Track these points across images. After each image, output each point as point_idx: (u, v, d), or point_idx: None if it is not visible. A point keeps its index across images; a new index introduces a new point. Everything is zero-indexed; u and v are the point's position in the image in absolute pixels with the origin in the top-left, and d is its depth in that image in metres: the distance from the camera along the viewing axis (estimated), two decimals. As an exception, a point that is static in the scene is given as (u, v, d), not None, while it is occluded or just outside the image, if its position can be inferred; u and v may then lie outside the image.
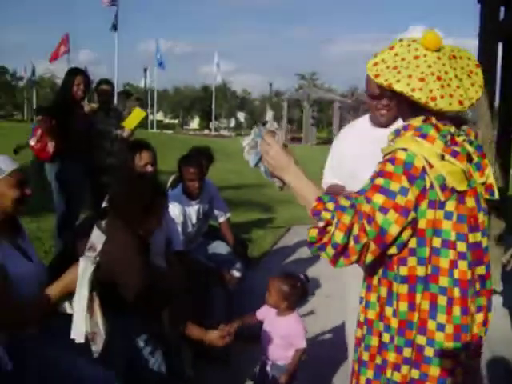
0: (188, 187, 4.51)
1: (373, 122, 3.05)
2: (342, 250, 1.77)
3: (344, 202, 1.79)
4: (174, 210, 4.41)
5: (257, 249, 7.83)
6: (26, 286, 2.53)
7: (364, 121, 3.17)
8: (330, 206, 1.80)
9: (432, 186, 1.80)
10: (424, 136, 1.86)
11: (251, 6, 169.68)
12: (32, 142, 5.52)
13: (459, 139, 1.90)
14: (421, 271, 1.85)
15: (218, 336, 3.07)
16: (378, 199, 1.76)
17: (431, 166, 1.80)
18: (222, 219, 5.09)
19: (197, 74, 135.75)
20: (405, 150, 1.83)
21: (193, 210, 4.60)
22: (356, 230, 1.75)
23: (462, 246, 1.85)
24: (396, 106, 2.10)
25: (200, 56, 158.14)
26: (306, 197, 1.91)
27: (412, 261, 1.86)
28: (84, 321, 2.35)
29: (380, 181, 1.80)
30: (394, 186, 1.77)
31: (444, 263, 1.84)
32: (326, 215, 1.78)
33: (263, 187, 13.79)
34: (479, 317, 1.93)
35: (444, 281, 1.84)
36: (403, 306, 1.88)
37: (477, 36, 5.68)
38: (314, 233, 1.81)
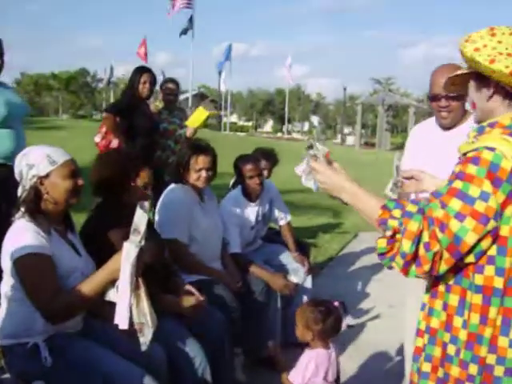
0: (248, 186, 4.36)
1: (438, 124, 2.94)
2: (412, 259, 1.64)
3: (411, 208, 1.67)
4: (233, 211, 4.30)
5: (322, 254, 7.70)
6: (74, 279, 2.53)
7: (432, 122, 3.04)
8: (397, 212, 1.68)
9: None
10: None
11: (327, 8, 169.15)
12: (97, 139, 5.55)
13: None
14: (498, 282, 1.70)
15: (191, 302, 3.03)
16: (455, 204, 1.63)
17: None
18: (282, 222, 4.91)
19: (271, 77, 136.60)
20: (492, 149, 1.67)
21: (252, 211, 4.46)
22: (426, 237, 1.62)
23: None
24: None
25: (275, 59, 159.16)
26: (368, 211, 1.81)
27: (490, 270, 1.70)
28: (127, 306, 2.25)
29: (458, 184, 1.66)
30: (474, 191, 1.63)
31: None
32: (393, 223, 1.67)
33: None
34: None
35: None
36: (475, 318, 1.72)
37: None
38: (382, 243, 1.69)
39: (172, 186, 3.86)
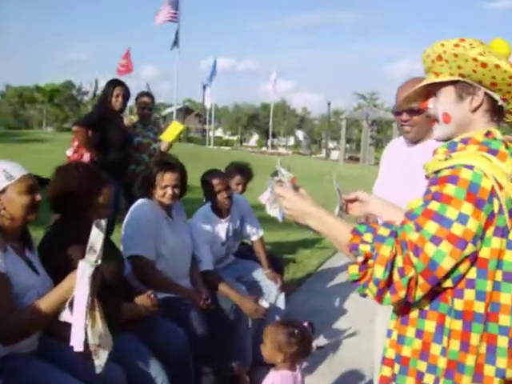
0: (218, 202, 4.28)
1: (405, 139, 2.93)
2: (386, 286, 1.55)
3: (382, 231, 1.58)
4: (202, 227, 4.22)
5: (301, 270, 7.61)
6: (29, 298, 2.44)
7: (400, 139, 3.02)
8: (368, 237, 1.60)
9: (501, 211, 1.56)
10: (494, 152, 1.62)
11: (312, 23, 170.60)
12: (69, 153, 5.47)
13: None
14: (479, 307, 1.60)
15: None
16: (431, 227, 1.53)
17: (501, 188, 1.56)
18: (254, 238, 4.82)
19: (257, 91, 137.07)
20: (470, 167, 1.58)
21: (222, 227, 4.38)
22: (400, 262, 1.53)
23: None
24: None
25: (261, 73, 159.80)
26: (336, 236, 1.72)
27: (469, 294, 1.60)
28: (83, 328, 2.16)
29: (435, 205, 1.56)
30: (451, 213, 1.53)
31: (506, 299, 1.60)
32: (365, 248, 1.58)
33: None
34: None
35: (505, 319, 1.60)
36: (454, 345, 1.62)
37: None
38: (354, 269, 1.61)
39: (139, 201, 3.79)
